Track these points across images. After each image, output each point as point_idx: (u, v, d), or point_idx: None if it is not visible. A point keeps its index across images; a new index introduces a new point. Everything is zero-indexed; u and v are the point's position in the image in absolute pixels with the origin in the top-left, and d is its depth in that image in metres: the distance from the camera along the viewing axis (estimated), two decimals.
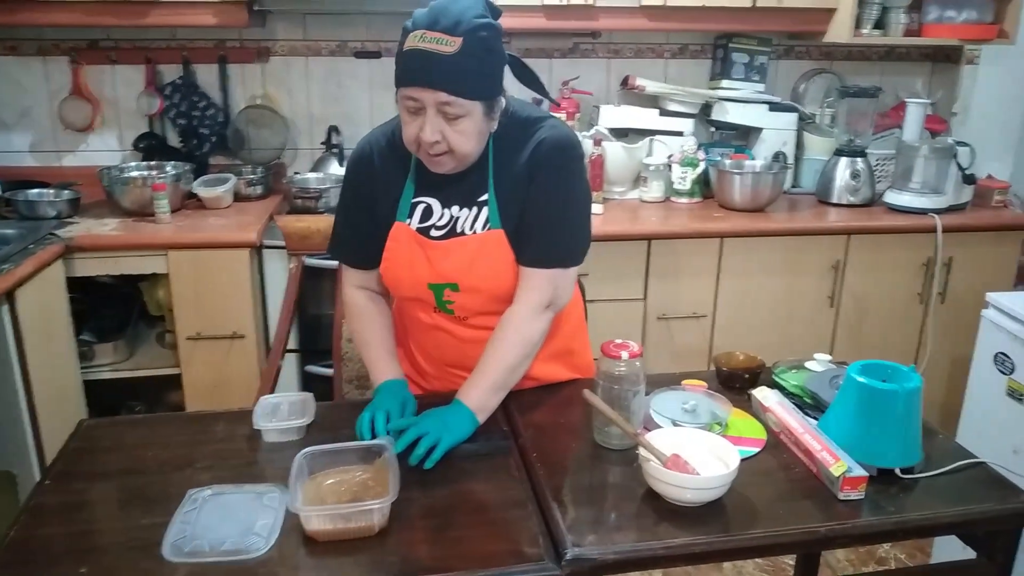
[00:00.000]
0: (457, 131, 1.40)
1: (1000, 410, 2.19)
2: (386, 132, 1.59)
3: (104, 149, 3.13)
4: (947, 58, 3.34)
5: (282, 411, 1.53)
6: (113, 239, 2.54)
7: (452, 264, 1.54)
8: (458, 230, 1.55)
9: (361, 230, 1.61)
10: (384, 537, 1.19)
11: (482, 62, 1.37)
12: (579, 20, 2.89)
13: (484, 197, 1.53)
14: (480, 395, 1.48)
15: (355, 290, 1.69)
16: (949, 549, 2.22)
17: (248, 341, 2.63)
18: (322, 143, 3.13)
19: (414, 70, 1.36)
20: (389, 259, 1.59)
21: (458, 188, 1.54)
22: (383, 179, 1.57)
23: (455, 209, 1.55)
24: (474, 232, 1.54)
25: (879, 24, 3.05)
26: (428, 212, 1.56)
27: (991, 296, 2.26)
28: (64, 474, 1.38)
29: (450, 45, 1.33)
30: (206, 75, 3.11)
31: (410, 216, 1.57)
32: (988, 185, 3.05)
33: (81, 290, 2.63)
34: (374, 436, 1.41)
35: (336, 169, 3.06)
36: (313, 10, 3.07)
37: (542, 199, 1.51)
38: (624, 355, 1.40)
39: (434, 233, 1.56)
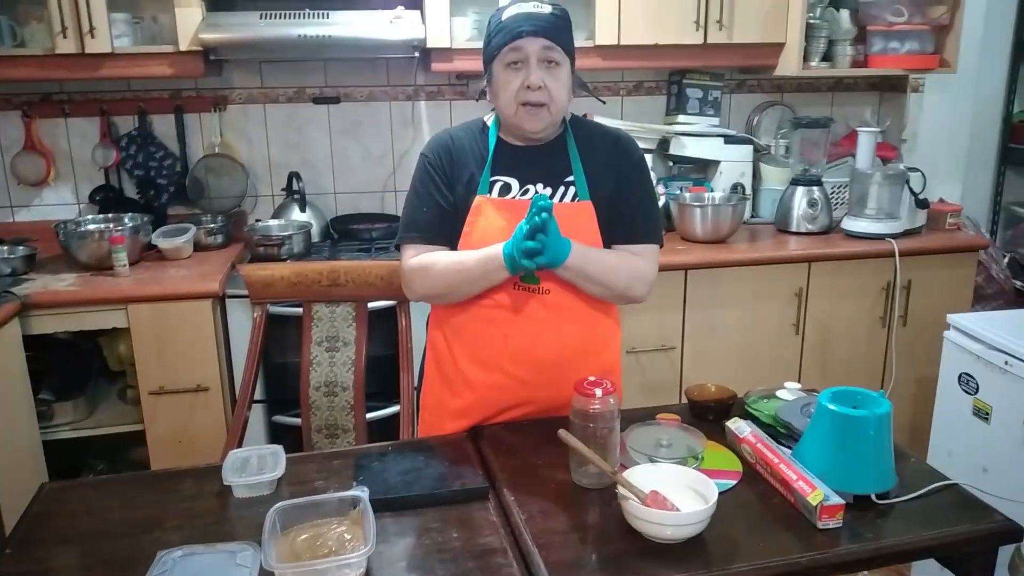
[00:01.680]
0: (556, 80, 1.60)
1: (967, 430, 2.23)
2: (461, 127, 1.75)
3: (59, 203, 3.08)
4: (893, 87, 3.44)
5: (252, 465, 1.50)
6: (71, 295, 2.48)
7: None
8: None
9: (438, 207, 1.68)
10: None
11: (568, 27, 1.64)
12: None
13: (570, 178, 1.68)
14: (581, 249, 1.59)
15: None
16: (928, 570, 2.24)
17: (213, 393, 2.58)
18: (283, 189, 3.11)
19: (520, 25, 1.58)
20: (474, 231, 1.64)
21: (538, 168, 1.68)
22: (460, 162, 1.69)
23: (539, 187, 1.68)
24: (562, 202, 1.67)
25: (827, 56, 3.14)
26: (506, 189, 1.68)
27: (952, 318, 2.30)
28: (26, 541, 1.33)
29: (546, 8, 1.60)
30: (162, 125, 3.08)
31: (489, 192, 1.67)
32: (941, 209, 3.13)
33: (39, 348, 2.57)
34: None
35: (298, 215, 3.04)
36: (269, 58, 3.07)
37: (638, 186, 1.71)
38: (598, 392, 1.40)
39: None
